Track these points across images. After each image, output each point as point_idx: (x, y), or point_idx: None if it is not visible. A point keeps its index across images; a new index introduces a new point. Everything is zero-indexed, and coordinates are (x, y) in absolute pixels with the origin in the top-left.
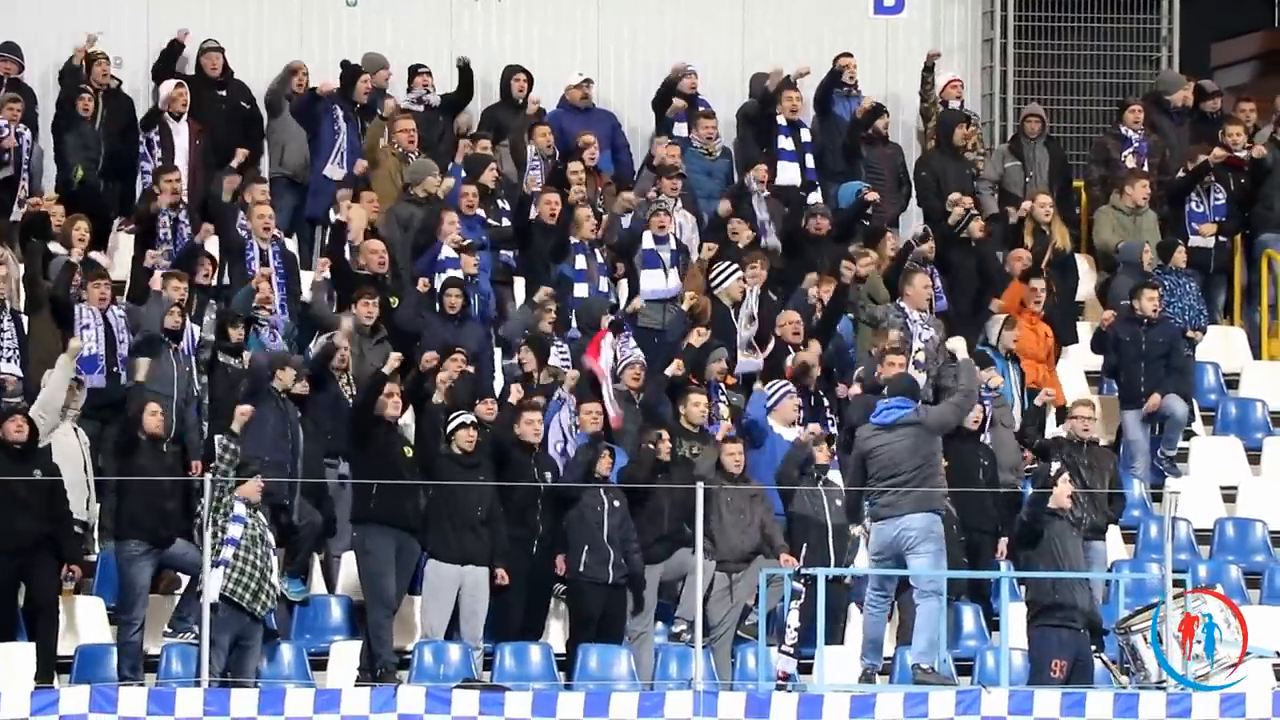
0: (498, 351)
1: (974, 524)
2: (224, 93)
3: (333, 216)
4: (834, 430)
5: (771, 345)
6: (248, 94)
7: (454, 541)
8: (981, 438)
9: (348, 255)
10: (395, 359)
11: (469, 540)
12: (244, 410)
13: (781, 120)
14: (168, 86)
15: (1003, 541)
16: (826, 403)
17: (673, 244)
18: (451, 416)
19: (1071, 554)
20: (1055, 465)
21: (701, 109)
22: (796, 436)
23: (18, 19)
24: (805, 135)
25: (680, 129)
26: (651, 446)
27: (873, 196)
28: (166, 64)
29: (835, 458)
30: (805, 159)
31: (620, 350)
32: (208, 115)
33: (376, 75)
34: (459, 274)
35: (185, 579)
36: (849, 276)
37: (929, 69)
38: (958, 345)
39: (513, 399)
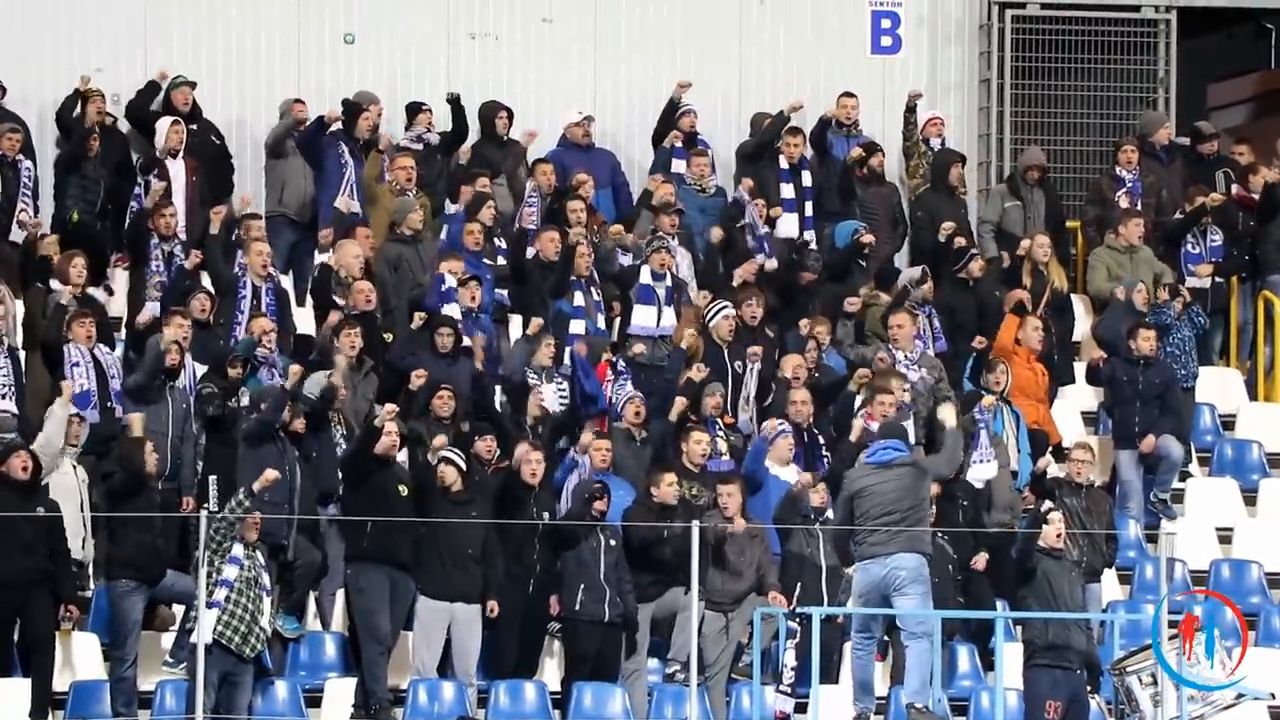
0: (498, 389)
1: (964, 564)
2: (194, 127)
3: (317, 258)
4: (825, 468)
5: (772, 395)
6: (216, 130)
7: (443, 578)
8: (962, 477)
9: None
10: (389, 410)
11: (459, 577)
12: (270, 475)
13: (783, 164)
14: (164, 125)
15: (982, 557)
16: (822, 442)
17: (669, 281)
18: (439, 456)
19: (1065, 594)
20: (1046, 504)
21: (695, 146)
22: (792, 485)
23: (12, 56)
24: (806, 179)
25: (677, 165)
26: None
27: (868, 239)
28: (144, 103)
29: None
30: (805, 207)
31: (616, 392)
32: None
33: (368, 111)
34: (453, 312)
35: (179, 615)
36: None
37: (910, 109)
38: (947, 415)
39: (520, 454)
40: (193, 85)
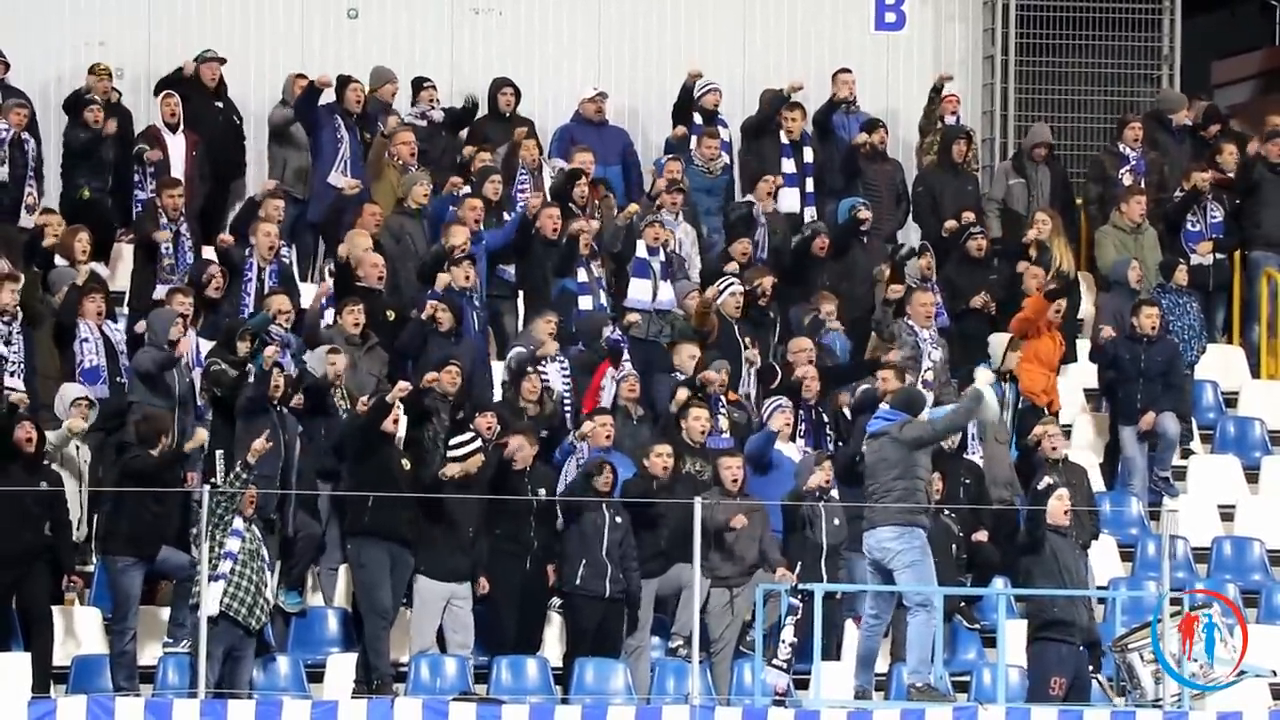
0: (496, 365)
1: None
2: (220, 104)
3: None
4: (831, 448)
5: (778, 379)
6: (237, 111)
7: (445, 559)
8: (966, 455)
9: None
10: (401, 388)
11: (459, 558)
12: (260, 445)
13: (784, 139)
14: (159, 99)
15: (983, 531)
16: (826, 419)
17: (663, 256)
18: (462, 441)
19: (1073, 569)
20: (1046, 480)
21: (707, 128)
22: (807, 478)
23: (15, 31)
24: (808, 155)
25: (691, 142)
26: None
27: (864, 215)
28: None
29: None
30: (805, 183)
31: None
32: (203, 126)
33: (382, 89)
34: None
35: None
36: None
37: (937, 90)
38: (983, 376)
39: (514, 446)
40: (222, 61)
